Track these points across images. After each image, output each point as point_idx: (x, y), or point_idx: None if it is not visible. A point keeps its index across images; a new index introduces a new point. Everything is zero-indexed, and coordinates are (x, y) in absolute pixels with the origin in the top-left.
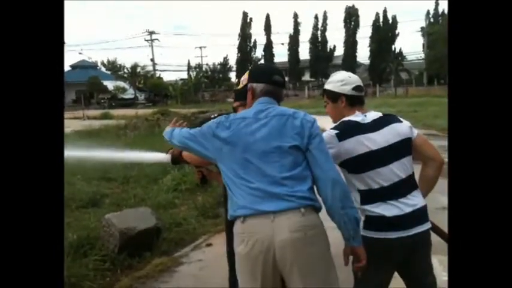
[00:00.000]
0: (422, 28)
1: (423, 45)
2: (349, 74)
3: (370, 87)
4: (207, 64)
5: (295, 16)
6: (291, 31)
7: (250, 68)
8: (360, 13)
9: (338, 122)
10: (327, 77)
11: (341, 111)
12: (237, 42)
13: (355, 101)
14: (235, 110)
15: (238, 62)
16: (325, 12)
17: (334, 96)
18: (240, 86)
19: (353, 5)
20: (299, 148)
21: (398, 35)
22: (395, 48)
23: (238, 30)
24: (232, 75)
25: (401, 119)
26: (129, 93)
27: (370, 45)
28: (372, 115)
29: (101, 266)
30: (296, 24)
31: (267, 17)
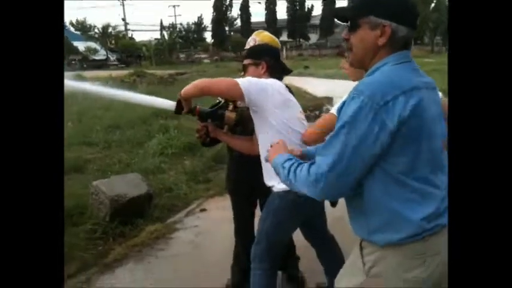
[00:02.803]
0: None
1: None
2: None
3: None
4: (181, 24)
5: None
6: None
7: None
8: None
9: None
10: (305, 37)
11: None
12: (212, 1)
13: None
14: (244, 68)
15: (214, 21)
16: None
17: None
18: (253, 43)
19: None
20: None
21: None
22: None
23: None
24: (208, 35)
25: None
26: (101, 55)
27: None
28: None
29: (92, 235)
30: None
31: None
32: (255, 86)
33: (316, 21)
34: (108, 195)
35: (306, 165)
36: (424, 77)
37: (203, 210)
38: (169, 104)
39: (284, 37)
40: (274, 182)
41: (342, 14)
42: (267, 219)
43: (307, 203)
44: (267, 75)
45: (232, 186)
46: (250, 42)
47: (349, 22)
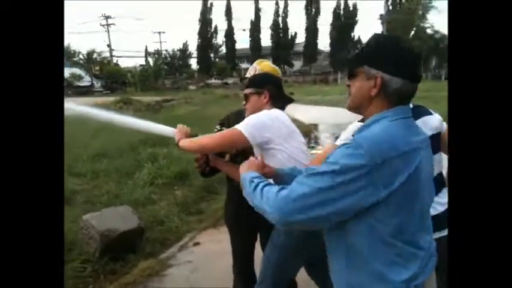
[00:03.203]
0: (381, 15)
1: (382, 32)
2: None
3: (331, 75)
4: (166, 50)
5: (256, 2)
6: (252, 17)
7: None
8: (320, 0)
9: None
10: (289, 64)
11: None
12: (197, 28)
13: None
14: (246, 97)
15: (199, 48)
16: None
17: None
18: (253, 72)
19: None
20: None
21: (357, 22)
22: (354, 36)
23: (198, 16)
24: (193, 62)
25: (431, 111)
26: (86, 81)
27: (330, 33)
28: None
29: (81, 272)
30: (257, 10)
31: (228, 2)
32: (259, 129)
33: (300, 49)
34: (99, 230)
35: (276, 187)
36: (421, 135)
37: (196, 244)
38: (171, 131)
39: None
40: None
41: (344, 63)
42: (271, 257)
43: (312, 239)
44: (270, 104)
45: (232, 219)
46: (251, 71)
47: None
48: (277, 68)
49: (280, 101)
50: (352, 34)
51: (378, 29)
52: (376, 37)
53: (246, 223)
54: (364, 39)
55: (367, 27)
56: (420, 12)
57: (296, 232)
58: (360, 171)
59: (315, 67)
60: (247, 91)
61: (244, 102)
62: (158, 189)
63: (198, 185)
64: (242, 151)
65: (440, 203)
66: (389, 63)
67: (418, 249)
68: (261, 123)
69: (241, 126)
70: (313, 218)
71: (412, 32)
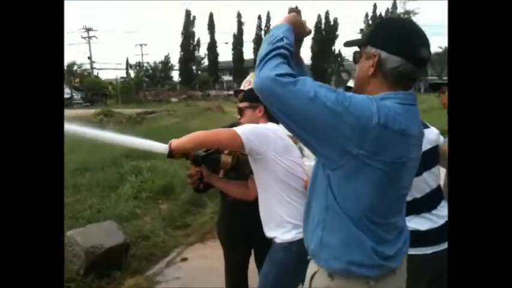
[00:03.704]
0: (361, 30)
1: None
2: None
3: None
4: (147, 62)
5: (239, 16)
6: (235, 30)
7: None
8: (302, 14)
9: None
10: None
11: None
12: (179, 41)
13: None
14: (241, 111)
15: (181, 60)
16: (268, 13)
17: None
18: (248, 84)
19: (296, 6)
20: None
21: (338, 36)
22: (334, 50)
23: (181, 28)
24: (175, 74)
25: (428, 124)
26: (65, 93)
27: (312, 46)
28: None
29: None
30: (240, 24)
31: (211, 16)
32: (255, 134)
33: None
34: (83, 246)
35: (287, 67)
36: (420, 127)
37: (184, 259)
38: (163, 148)
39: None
40: (277, 233)
41: (350, 44)
42: (269, 274)
43: None
44: (265, 118)
45: (226, 235)
46: (245, 83)
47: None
48: None
49: None
50: (333, 48)
51: None
52: (382, 19)
53: (240, 238)
54: (345, 53)
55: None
56: None
57: (295, 248)
58: (361, 120)
59: None
60: (241, 105)
61: (238, 116)
62: (142, 203)
63: (184, 198)
64: (236, 165)
65: (439, 215)
66: (388, 42)
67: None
68: (259, 132)
69: (239, 130)
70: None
71: None
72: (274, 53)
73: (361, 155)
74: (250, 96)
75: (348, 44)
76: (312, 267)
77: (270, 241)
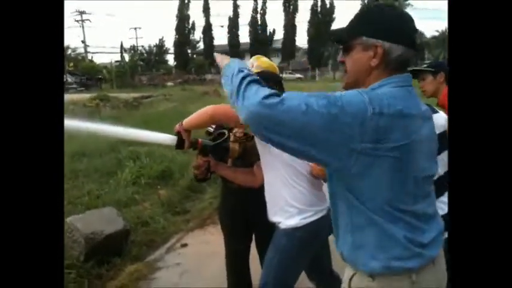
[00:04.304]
0: None
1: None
2: None
3: (310, 71)
4: (142, 46)
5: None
6: (231, 14)
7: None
8: None
9: None
10: None
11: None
12: (174, 24)
13: None
14: None
15: (176, 44)
16: None
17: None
18: (251, 68)
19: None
20: None
21: (334, 19)
22: None
23: (175, 11)
24: (170, 58)
25: (436, 109)
26: None
27: (308, 30)
28: None
29: (66, 278)
30: (235, 7)
31: None
32: None
33: (278, 45)
34: (83, 232)
35: (265, 89)
36: (423, 106)
37: (184, 245)
38: (169, 139)
39: (247, 60)
40: (281, 218)
41: (336, 36)
42: (273, 260)
43: (315, 240)
44: None
45: (227, 221)
46: (248, 67)
47: (342, 45)
48: (274, 64)
49: None
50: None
51: None
52: (367, 7)
53: (241, 225)
54: None
55: (344, 25)
56: None
57: (299, 233)
58: (358, 116)
59: (293, 63)
60: None
61: None
62: (141, 189)
63: (182, 184)
64: (243, 154)
65: (446, 202)
66: (388, 31)
67: (419, 219)
68: None
69: None
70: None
71: None
72: (245, 82)
73: (367, 149)
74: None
75: (333, 36)
76: (348, 270)
77: (272, 228)
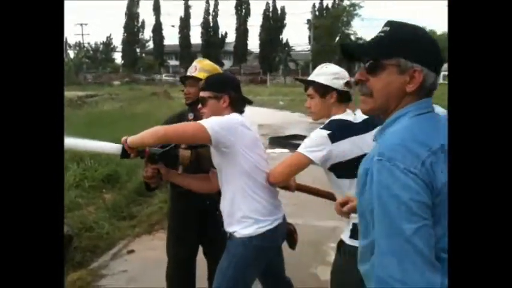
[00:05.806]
0: (308, 21)
1: (309, 37)
2: (339, 67)
3: (260, 76)
4: (88, 43)
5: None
6: (182, 14)
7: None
8: (250, 1)
9: (328, 121)
10: (219, 63)
11: (329, 107)
12: (123, 22)
13: (345, 97)
14: (203, 101)
15: (124, 42)
16: None
17: (324, 91)
18: (194, 71)
19: None
20: None
21: (285, 25)
22: (282, 39)
23: (124, 9)
24: (117, 56)
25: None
26: None
27: (260, 34)
28: (361, 114)
29: None
30: (187, 7)
31: None
32: (223, 127)
33: (230, 48)
34: None
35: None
36: (444, 132)
37: (131, 251)
38: (114, 148)
39: None
40: (237, 228)
41: (362, 52)
42: (228, 268)
43: (271, 248)
44: (230, 109)
45: (175, 227)
46: (191, 69)
47: (368, 62)
48: (218, 67)
49: (240, 105)
50: (281, 37)
51: (305, 33)
52: (398, 25)
53: (190, 231)
54: (292, 42)
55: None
56: (345, 19)
57: (255, 242)
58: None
59: (245, 67)
60: (204, 94)
61: (200, 106)
62: (85, 193)
63: (129, 187)
64: (196, 160)
65: None
66: (427, 55)
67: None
68: (227, 124)
69: (206, 123)
70: None
71: (337, 38)
72: None
73: (435, 202)
74: (215, 86)
75: (357, 51)
76: None
77: (224, 234)
